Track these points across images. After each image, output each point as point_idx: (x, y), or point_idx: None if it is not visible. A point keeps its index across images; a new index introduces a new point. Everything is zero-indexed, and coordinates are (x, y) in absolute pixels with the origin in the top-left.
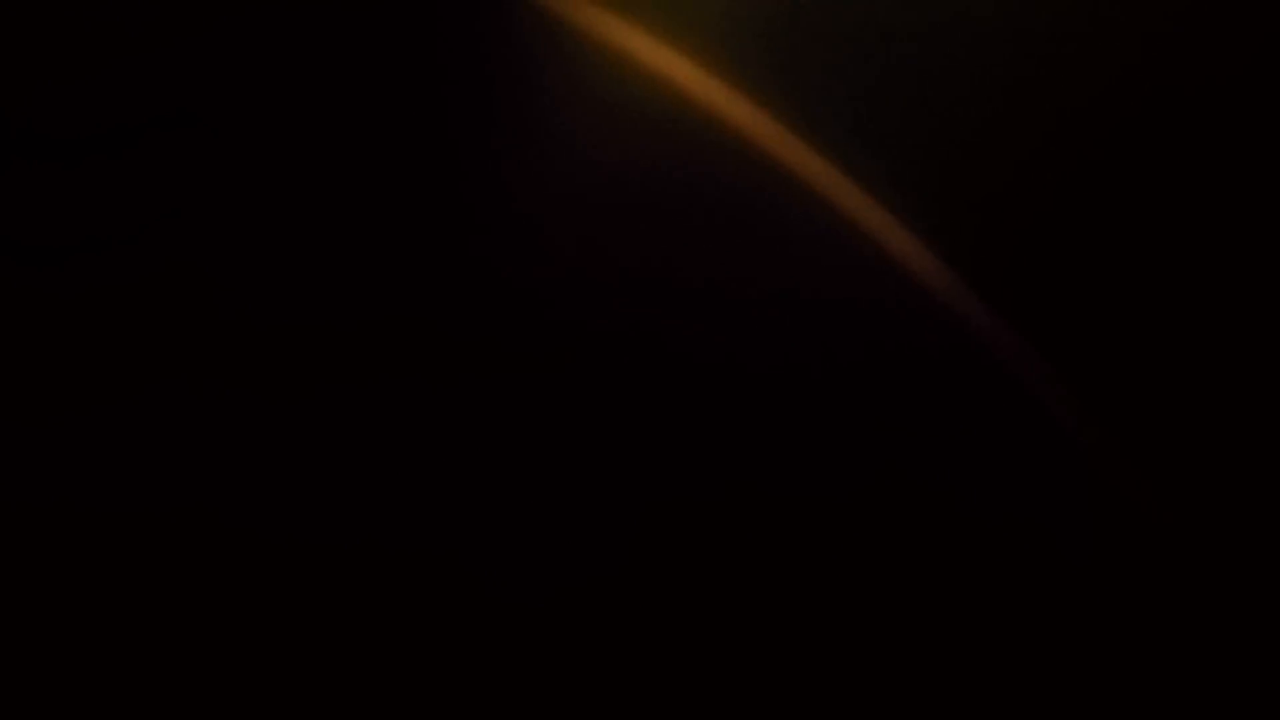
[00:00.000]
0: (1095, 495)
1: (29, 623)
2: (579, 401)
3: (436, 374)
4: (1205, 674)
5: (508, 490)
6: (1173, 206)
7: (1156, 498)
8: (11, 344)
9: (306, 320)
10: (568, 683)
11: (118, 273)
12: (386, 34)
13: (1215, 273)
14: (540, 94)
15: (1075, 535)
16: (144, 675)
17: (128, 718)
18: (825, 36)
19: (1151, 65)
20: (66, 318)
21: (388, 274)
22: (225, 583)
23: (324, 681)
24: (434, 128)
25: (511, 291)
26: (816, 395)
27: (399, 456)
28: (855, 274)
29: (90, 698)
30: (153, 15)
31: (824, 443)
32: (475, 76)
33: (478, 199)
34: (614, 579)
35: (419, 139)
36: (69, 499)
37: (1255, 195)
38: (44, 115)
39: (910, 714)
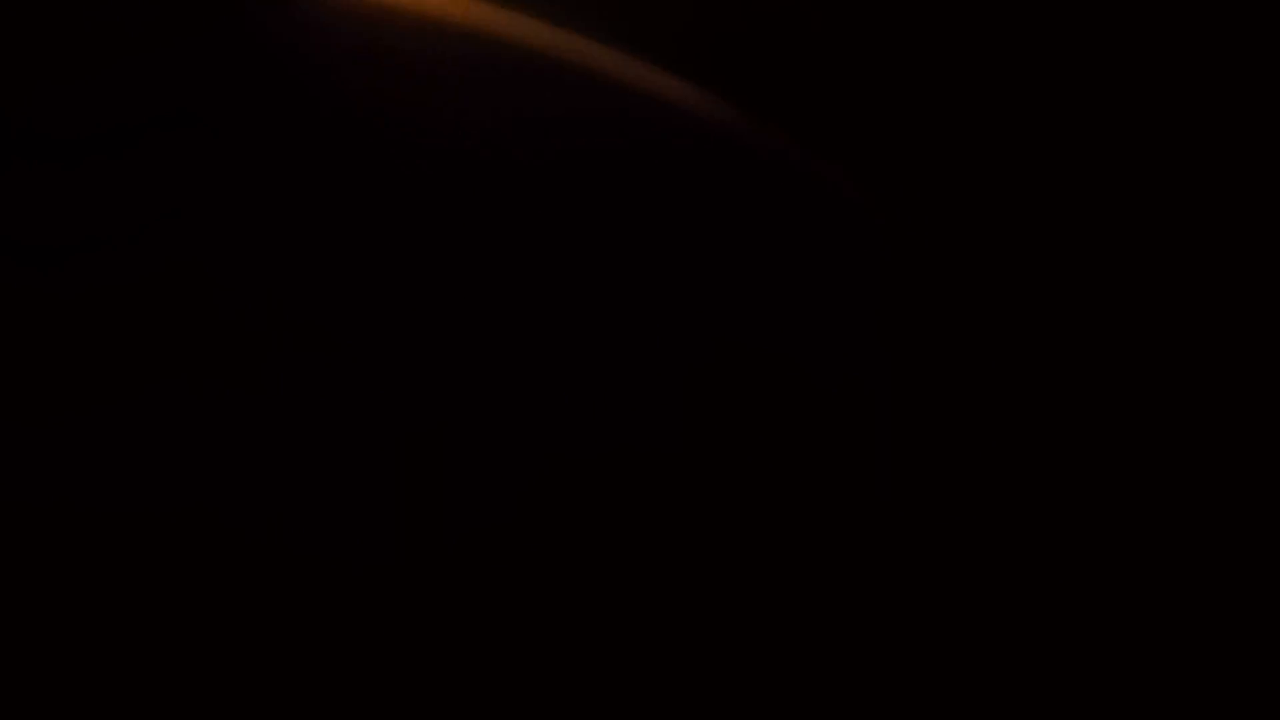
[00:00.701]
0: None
1: (29, 622)
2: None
3: (430, 375)
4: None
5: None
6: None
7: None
8: (11, 344)
9: (307, 320)
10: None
11: (118, 273)
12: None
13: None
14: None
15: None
16: (143, 675)
17: (127, 717)
18: None
19: None
20: (66, 318)
21: (387, 275)
22: (224, 583)
23: (322, 682)
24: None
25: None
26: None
27: (397, 457)
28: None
29: (90, 697)
30: (153, 15)
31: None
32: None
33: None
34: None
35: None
36: (69, 499)
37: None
38: (44, 115)
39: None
